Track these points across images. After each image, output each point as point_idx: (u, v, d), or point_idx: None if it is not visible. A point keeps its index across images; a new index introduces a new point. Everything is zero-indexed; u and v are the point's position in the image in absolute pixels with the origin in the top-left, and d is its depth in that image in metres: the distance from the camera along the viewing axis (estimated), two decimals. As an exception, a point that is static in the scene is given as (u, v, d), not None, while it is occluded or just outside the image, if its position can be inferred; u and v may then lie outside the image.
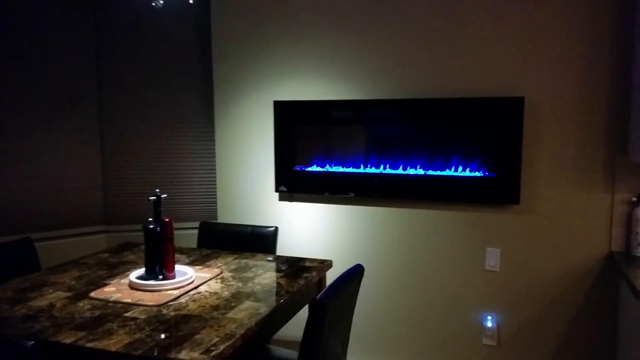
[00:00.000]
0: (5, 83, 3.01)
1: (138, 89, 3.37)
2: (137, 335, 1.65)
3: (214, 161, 3.41)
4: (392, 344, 3.04)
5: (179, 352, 1.53)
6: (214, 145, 3.35)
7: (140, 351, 1.54)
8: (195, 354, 1.52)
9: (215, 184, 3.43)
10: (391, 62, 2.89)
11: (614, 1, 2.49)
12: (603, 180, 2.59)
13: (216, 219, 3.35)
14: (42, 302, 1.95)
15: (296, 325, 2.89)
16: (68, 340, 1.61)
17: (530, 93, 2.66)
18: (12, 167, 3.08)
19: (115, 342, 1.60)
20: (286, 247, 3.17)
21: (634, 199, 2.52)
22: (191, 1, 2.11)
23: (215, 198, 3.43)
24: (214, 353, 1.53)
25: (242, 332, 1.68)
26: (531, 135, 2.67)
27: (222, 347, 1.57)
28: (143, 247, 2.81)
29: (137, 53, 3.34)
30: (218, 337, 1.64)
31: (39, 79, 3.12)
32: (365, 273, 3.03)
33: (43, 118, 3.16)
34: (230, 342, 1.61)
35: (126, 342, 1.60)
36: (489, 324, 2.84)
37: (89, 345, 1.58)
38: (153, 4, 2.02)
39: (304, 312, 2.39)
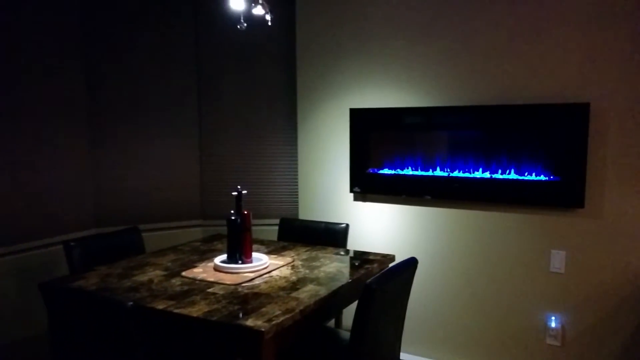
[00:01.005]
0: (120, 95, 3.53)
1: (232, 99, 3.78)
2: (215, 306, 1.98)
3: (296, 163, 3.73)
4: (453, 340, 3.17)
5: (246, 320, 1.84)
6: (296, 148, 3.68)
7: (215, 317, 1.86)
8: (259, 322, 1.82)
9: (297, 184, 3.75)
10: (460, 70, 3.05)
11: (683, 5, 2.49)
12: (671, 184, 2.58)
13: (297, 216, 3.67)
14: (143, 278, 2.36)
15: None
16: (160, 307, 1.97)
17: (596, 98, 2.70)
18: (123, 168, 3.59)
19: (196, 310, 1.94)
20: (357, 242, 3.42)
21: (703, 204, 2.49)
22: (269, 22, 2.41)
23: (297, 197, 3.75)
24: (274, 322, 1.82)
25: (302, 308, 1.96)
26: (597, 140, 2.72)
27: (282, 319, 1.85)
28: (230, 238, 3.20)
29: (232, 67, 3.76)
30: (280, 310, 1.93)
31: (147, 91, 3.62)
32: (428, 270, 3.20)
33: (150, 124, 3.65)
34: (290, 315, 1.89)
35: (205, 310, 1.94)
36: (553, 324, 2.90)
37: (176, 311, 1.94)
38: (238, 26, 2.36)
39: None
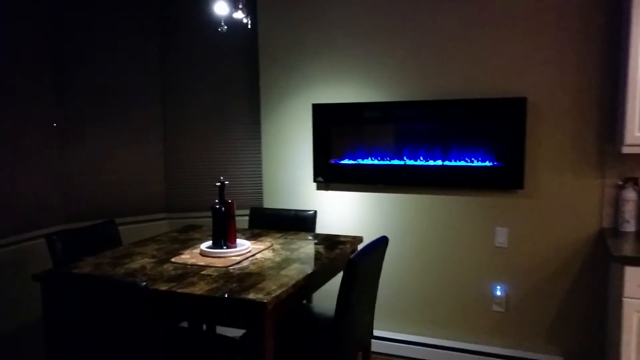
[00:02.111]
0: (85, 92, 3.59)
1: (196, 94, 3.92)
2: (214, 285, 2.18)
3: (260, 156, 3.94)
4: (414, 313, 3.51)
5: (248, 294, 2.06)
6: (260, 142, 3.88)
7: (218, 294, 2.07)
8: (260, 295, 2.04)
9: (260, 176, 3.96)
10: (415, 68, 3.37)
11: (604, 9, 2.91)
12: (595, 166, 3.02)
13: (262, 206, 3.88)
14: (135, 265, 2.51)
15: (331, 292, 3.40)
16: (163, 288, 2.15)
17: (532, 93, 3.10)
18: (90, 164, 3.66)
19: (198, 289, 2.13)
20: (323, 228, 3.68)
21: (620, 182, 2.95)
22: (248, 24, 2.61)
23: (261, 188, 3.96)
24: (273, 295, 2.05)
25: (294, 282, 2.20)
26: (533, 130, 3.12)
27: (279, 292, 2.09)
28: (204, 227, 3.38)
29: (196, 64, 3.89)
30: (275, 285, 2.16)
31: (111, 86, 3.70)
32: (390, 251, 3.52)
33: (115, 121, 3.73)
34: (285, 288, 2.13)
35: (207, 288, 2.13)
36: (498, 293, 3.29)
37: (180, 290, 2.12)
38: (219, 29, 2.54)
39: (336, 283, 2.91)
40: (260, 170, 3.95)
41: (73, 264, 2.53)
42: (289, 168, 3.78)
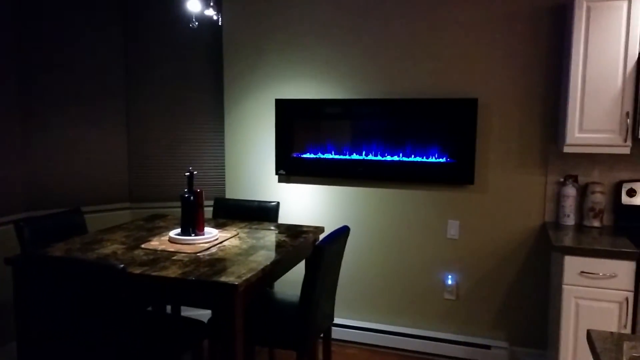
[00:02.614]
0: (50, 83, 3.59)
1: (160, 88, 3.96)
2: (186, 269, 2.28)
3: (223, 149, 4.03)
4: (370, 301, 3.70)
5: (220, 277, 2.17)
6: (223, 135, 3.97)
7: (192, 277, 2.17)
8: (231, 278, 2.16)
9: (223, 169, 4.05)
10: (374, 68, 3.54)
11: (550, 19, 3.16)
12: (539, 164, 3.27)
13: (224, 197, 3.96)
14: (106, 251, 2.57)
15: (293, 281, 3.54)
16: (137, 271, 2.23)
17: (482, 95, 3.33)
18: (52, 153, 3.65)
19: (172, 272, 2.23)
20: (285, 219, 3.81)
21: (562, 180, 3.21)
22: (219, 21, 2.70)
23: (223, 180, 4.04)
24: (243, 278, 2.16)
25: (262, 267, 2.33)
26: (483, 129, 3.34)
27: (249, 275, 2.21)
28: (169, 217, 3.45)
29: (160, 57, 3.94)
30: (244, 269, 2.28)
31: (76, 79, 3.70)
32: (348, 242, 3.68)
33: (79, 111, 3.74)
34: (254, 272, 2.25)
35: (180, 272, 2.23)
36: (450, 282, 3.51)
37: (154, 274, 2.21)
38: (190, 25, 2.63)
39: (299, 272, 3.05)
40: (223, 163, 4.04)
41: (42, 250, 2.57)
42: (252, 161, 3.89)
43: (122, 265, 2.02)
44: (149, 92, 3.97)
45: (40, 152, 3.59)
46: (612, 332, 1.53)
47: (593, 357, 1.45)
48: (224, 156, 4.03)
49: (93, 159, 3.84)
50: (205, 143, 4.07)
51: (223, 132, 4.01)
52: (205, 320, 2.90)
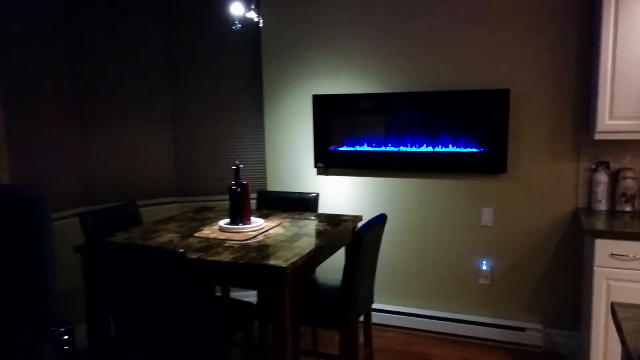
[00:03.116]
0: (104, 87, 3.86)
1: (203, 87, 4.20)
2: (238, 254, 2.49)
3: (263, 144, 4.24)
4: (407, 287, 3.85)
5: (269, 260, 2.37)
6: (263, 131, 4.18)
7: (243, 261, 2.38)
8: (280, 261, 2.35)
9: (264, 163, 4.26)
10: (407, 62, 3.68)
11: (578, 6, 3.24)
12: (571, 152, 3.37)
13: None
14: (163, 239, 2.80)
15: (333, 268, 3.72)
16: (194, 256, 2.45)
17: (514, 85, 3.43)
18: (107, 152, 3.92)
19: (225, 257, 2.44)
20: (323, 209, 4.00)
21: (593, 166, 3.30)
22: (260, 23, 2.90)
23: (264, 174, 4.26)
24: (291, 261, 2.36)
25: (307, 251, 2.52)
26: (515, 118, 3.45)
27: (295, 259, 2.40)
28: (216, 208, 3.67)
29: (203, 56, 4.17)
30: (291, 254, 2.47)
31: (126, 80, 3.97)
32: (385, 230, 3.85)
33: (129, 112, 4.00)
34: (300, 256, 2.44)
35: (232, 256, 2.44)
36: (484, 268, 3.64)
37: (209, 258, 2.42)
38: (233, 27, 2.83)
39: (338, 259, 3.23)
40: (264, 157, 4.25)
41: (106, 240, 2.82)
42: (291, 154, 4.08)
43: (182, 250, 2.24)
44: (192, 92, 4.21)
45: (94, 151, 3.86)
46: (633, 304, 1.66)
47: (615, 326, 1.58)
48: (264, 151, 4.24)
49: (142, 156, 4.10)
50: (246, 139, 4.29)
51: (263, 128, 4.22)
52: (254, 302, 3.11)
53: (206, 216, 3.42)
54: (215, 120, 4.25)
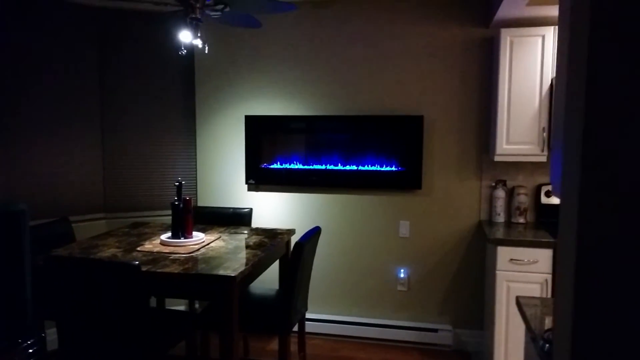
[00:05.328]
0: (33, 106, 3.83)
1: (133, 106, 4.28)
2: (186, 266, 2.65)
3: (195, 162, 4.38)
4: (330, 295, 4.15)
5: (219, 271, 2.55)
6: (195, 149, 4.33)
7: (193, 272, 2.54)
8: (229, 271, 2.55)
9: (194, 180, 4.40)
10: (333, 88, 4.02)
11: (481, 47, 3.75)
12: (475, 171, 3.85)
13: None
14: (106, 254, 2.89)
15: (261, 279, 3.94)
16: (143, 269, 2.58)
17: (427, 112, 3.87)
18: (32, 167, 3.88)
19: (174, 269, 2.59)
20: (256, 224, 4.20)
21: (493, 184, 3.80)
22: (205, 49, 3.09)
23: (195, 190, 4.39)
24: (239, 270, 2.56)
25: (252, 262, 2.73)
26: (428, 141, 3.89)
27: (242, 268, 2.61)
28: (151, 224, 3.77)
29: (135, 76, 4.25)
30: (237, 264, 2.68)
31: (56, 100, 3.96)
32: (314, 242, 4.13)
33: (58, 130, 3.99)
34: (246, 266, 2.65)
35: (181, 268, 2.60)
36: (402, 275, 4.02)
37: (159, 270, 2.56)
38: (180, 52, 3.00)
39: (268, 270, 3.46)
40: (195, 175, 4.39)
41: (45, 253, 2.85)
42: (223, 172, 4.27)
43: (137, 262, 2.37)
44: (124, 107, 4.27)
45: (23, 167, 3.82)
46: (532, 297, 2.05)
47: (520, 314, 1.96)
48: (195, 169, 4.38)
49: (70, 172, 4.09)
50: (176, 156, 4.40)
51: (194, 146, 4.37)
52: (199, 311, 3.25)
53: (142, 231, 3.51)
54: (147, 137, 4.34)
